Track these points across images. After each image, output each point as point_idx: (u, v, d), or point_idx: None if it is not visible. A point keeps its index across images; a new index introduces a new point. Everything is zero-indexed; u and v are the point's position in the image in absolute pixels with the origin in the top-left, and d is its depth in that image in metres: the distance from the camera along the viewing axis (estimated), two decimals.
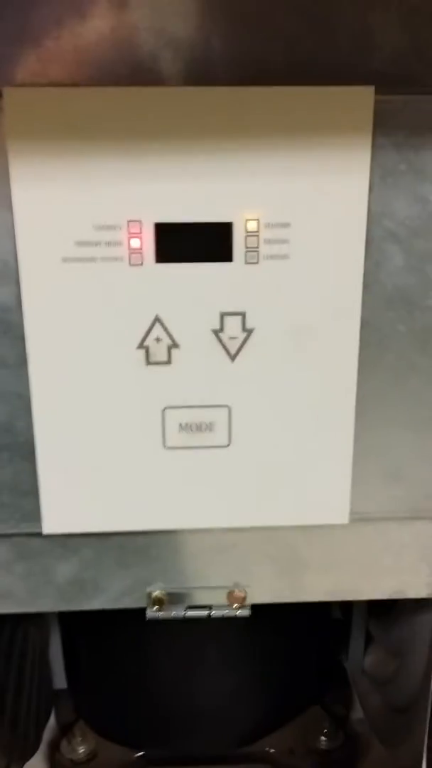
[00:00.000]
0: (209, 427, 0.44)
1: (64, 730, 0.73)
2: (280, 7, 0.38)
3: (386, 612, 0.66)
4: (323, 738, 0.72)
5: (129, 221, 0.40)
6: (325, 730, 0.72)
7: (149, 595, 0.48)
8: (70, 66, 0.38)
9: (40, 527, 0.45)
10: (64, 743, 0.72)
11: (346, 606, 0.72)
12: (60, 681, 0.73)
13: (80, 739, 0.72)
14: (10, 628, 0.64)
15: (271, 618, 0.51)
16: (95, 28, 0.37)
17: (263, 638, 0.64)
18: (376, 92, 0.38)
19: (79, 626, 0.68)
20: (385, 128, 0.39)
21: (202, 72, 0.38)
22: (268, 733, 0.71)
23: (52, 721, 0.73)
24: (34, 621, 0.67)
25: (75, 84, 0.38)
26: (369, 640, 0.72)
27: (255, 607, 0.48)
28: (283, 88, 0.38)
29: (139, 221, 0.40)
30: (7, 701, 0.63)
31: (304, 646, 0.70)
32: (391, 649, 0.68)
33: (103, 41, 0.37)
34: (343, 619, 0.73)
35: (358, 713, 0.72)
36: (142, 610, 0.48)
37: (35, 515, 0.45)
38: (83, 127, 0.38)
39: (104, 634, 0.65)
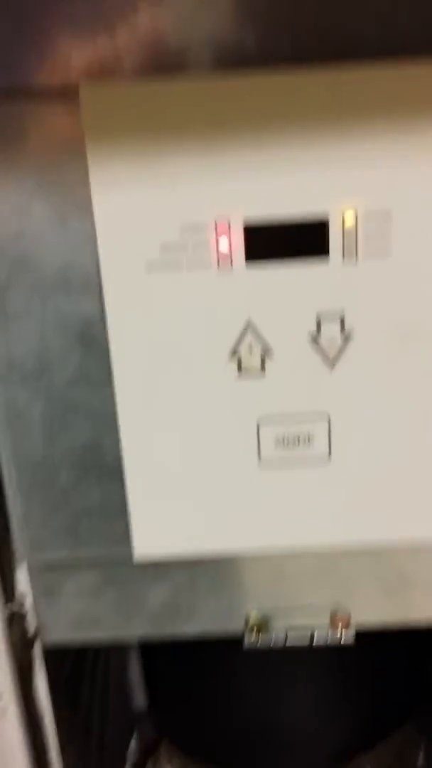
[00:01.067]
0: (307, 439, 0.41)
1: (147, 752, 0.71)
2: None
3: None
4: (421, 754, 0.69)
5: (217, 220, 0.37)
6: (423, 747, 0.68)
7: (246, 619, 0.45)
8: (147, 56, 0.35)
9: (131, 551, 0.42)
10: (149, 765, 0.70)
11: None
12: (139, 701, 0.71)
13: (166, 760, 0.70)
14: (94, 650, 0.61)
15: (359, 634, 0.47)
16: (176, 12, 0.34)
17: (352, 655, 0.61)
18: None
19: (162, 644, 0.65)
20: None
21: (289, 51, 0.34)
22: (359, 752, 0.68)
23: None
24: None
25: (153, 74, 0.35)
26: None
27: None
28: (378, 66, 0.35)
29: (228, 219, 0.37)
30: (94, 722, 0.61)
31: (394, 661, 0.66)
32: None
33: (183, 25, 0.34)
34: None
35: None
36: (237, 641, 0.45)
37: (125, 539, 0.42)
38: (162, 124, 0.35)
39: (189, 651, 0.63)
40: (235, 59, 0.34)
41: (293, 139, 0.35)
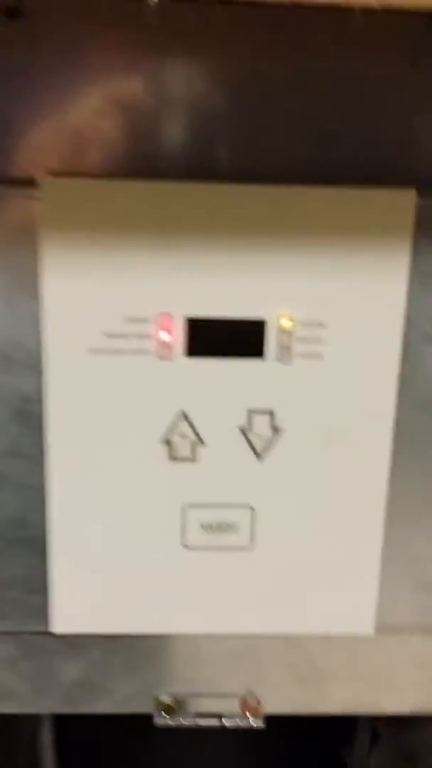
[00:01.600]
0: (232, 527, 0.42)
1: None
2: (320, 105, 0.37)
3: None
4: None
5: (160, 314, 0.38)
6: None
7: (157, 700, 0.45)
8: (106, 157, 0.37)
9: (49, 626, 0.43)
10: None
11: None
12: None
13: None
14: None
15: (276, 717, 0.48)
16: (132, 121, 0.36)
17: (266, 736, 0.61)
18: (418, 194, 0.38)
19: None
20: (426, 231, 0.38)
21: (238, 169, 0.37)
22: None
23: None
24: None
25: (110, 175, 0.37)
26: (375, 739, 0.68)
27: None
28: (321, 188, 0.37)
29: (170, 314, 0.38)
30: None
31: (304, 743, 0.66)
32: (402, 753, 0.64)
33: (141, 133, 0.37)
34: (347, 715, 0.69)
35: None
36: (149, 715, 0.45)
37: (43, 613, 0.42)
38: (117, 220, 0.37)
39: (102, 732, 0.62)
40: (187, 170, 0.37)
41: (237, 247, 0.37)
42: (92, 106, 0.36)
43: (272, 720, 0.57)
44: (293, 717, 0.61)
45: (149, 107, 0.36)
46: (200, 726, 0.45)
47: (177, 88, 0.36)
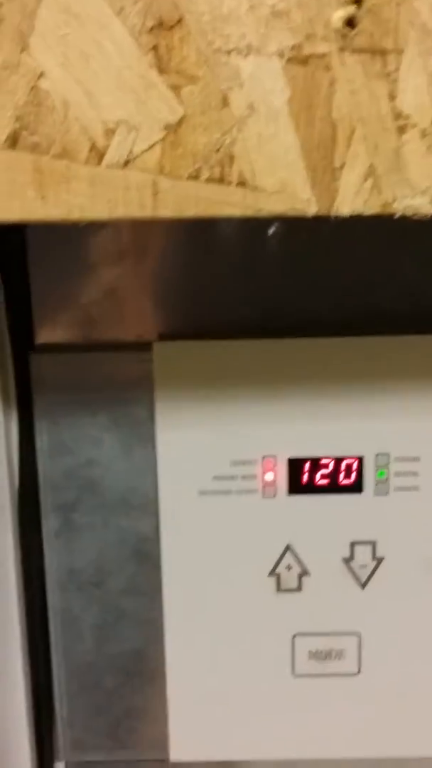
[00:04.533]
0: (339, 654, 0.43)
1: None
2: (404, 260, 0.40)
3: None
4: None
5: (264, 457, 0.41)
6: None
7: None
8: (209, 320, 0.41)
9: (166, 754, 0.44)
10: None
11: None
12: None
13: None
14: None
15: None
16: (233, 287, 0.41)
17: None
18: None
19: None
20: None
21: (333, 322, 0.41)
22: None
23: None
24: None
25: (213, 335, 0.41)
26: None
27: None
28: (405, 336, 0.40)
29: (274, 456, 0.41)
30: None
31: None
32: None
33: (242, 294, 0.41)
34: None
35: None
36: None
37: (162, 742, 0.44)
38: (224, 375, 0.41)
39: None
40: (286, 326, 0.40)
41: (335, 394, 0.41)
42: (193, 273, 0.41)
43: None
44: None
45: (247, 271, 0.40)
46: None
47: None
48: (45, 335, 0.41)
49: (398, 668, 0.44)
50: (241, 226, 0.40)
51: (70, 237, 0.40)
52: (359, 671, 0.44)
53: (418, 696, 0.44)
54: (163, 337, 0.41)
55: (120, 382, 0.41)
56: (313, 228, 0.39)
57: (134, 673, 0.44)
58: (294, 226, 0.39)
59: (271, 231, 0.40)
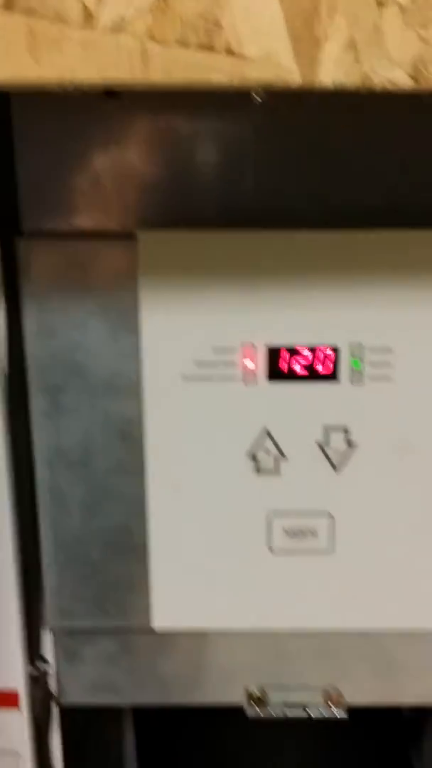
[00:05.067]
0: (313, 533, 0.46)
1: None
2: (381, 156, 0.42)
3: None
4: None
5: (243, 344, 0.43)
6: None
7: (247, 692, 0.49)
8: (195, 209, 0.42)
9: (149, 623, 0.47)
10: None
11: None
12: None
13: None
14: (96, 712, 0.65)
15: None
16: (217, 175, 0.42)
17: (342, 730, 0.65)
18: None
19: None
20: None
21: (312, 216, 0.42)
22: None
23: None
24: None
25: (200, 224, 0.42)
26: None
27: None
28: (381, 231, 0.42)
29: (254, 344, 0.43)
30: None
31: (372, 744, 0.69)
32: None
33: (223, 185, 0.42)
34: (415, 716, 0.72)
35: None
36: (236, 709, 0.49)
37: (145, 611, 0.47)
38: (206, 265, 0.42)
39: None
40: (272, 218, 0.42)
41: (313, 286, 0.42)
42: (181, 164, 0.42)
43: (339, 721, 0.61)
44: (362, 720, 0.65)
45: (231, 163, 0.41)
46: (288, 717, 0.49)
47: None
48: (32, 222, 0.42)
49: (369, 548, 0.46)
50: (227, 115, 0.41)
51: (57, 120, 0.40)
52: (331, 549, 0.47)
53: (386, 574, 0.47)
54: (149, 226, 0.42)
55: (106, 269, 0.42)
56: (297, 115, 0.40)
57: (119, 547, 0.46)
58: (277, 114, 0.40)
59: (255, 109, 0.40)
